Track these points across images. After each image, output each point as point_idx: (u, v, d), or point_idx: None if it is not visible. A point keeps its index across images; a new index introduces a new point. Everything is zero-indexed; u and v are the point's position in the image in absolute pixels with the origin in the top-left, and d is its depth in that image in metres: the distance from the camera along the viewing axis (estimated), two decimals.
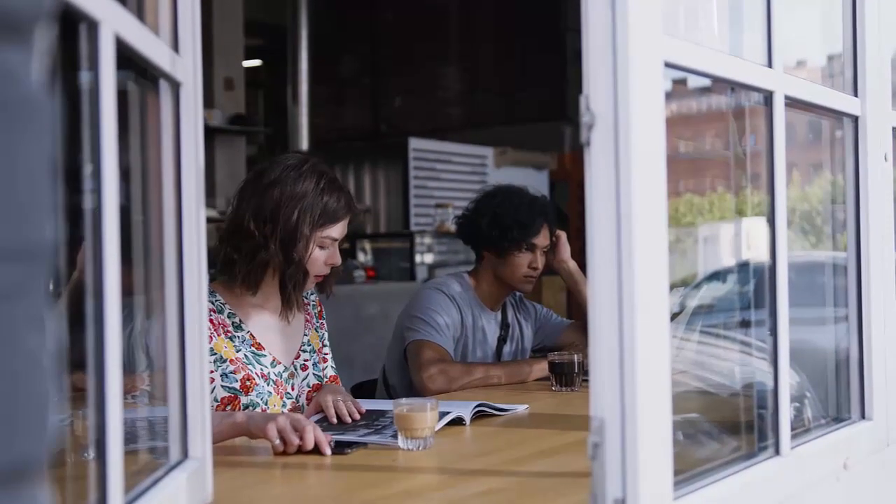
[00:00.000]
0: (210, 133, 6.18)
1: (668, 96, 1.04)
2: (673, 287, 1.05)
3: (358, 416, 1.81)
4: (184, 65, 1.13)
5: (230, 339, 1.92)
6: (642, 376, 0.95)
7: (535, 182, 6.02)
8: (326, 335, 2.17)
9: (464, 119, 8.36)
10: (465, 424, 1.82)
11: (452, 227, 3.17)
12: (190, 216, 1.14)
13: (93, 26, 0.80)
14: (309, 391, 2.03)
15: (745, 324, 1.63)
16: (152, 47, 1.00)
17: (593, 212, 0.97)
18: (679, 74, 1.13)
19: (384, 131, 8.74)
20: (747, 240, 1.68)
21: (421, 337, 2.43)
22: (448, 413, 1.79)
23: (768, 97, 1.28)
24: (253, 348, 1.95)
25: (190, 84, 1.14)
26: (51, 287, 0.55)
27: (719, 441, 1.41)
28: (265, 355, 1.96)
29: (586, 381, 2.24)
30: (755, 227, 1.50)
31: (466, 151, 7.24)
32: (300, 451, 1.56)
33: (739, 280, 1.75)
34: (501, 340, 2.66)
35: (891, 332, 1.59)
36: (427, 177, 7.02)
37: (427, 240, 6.49)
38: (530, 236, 2.54)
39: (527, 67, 8.08)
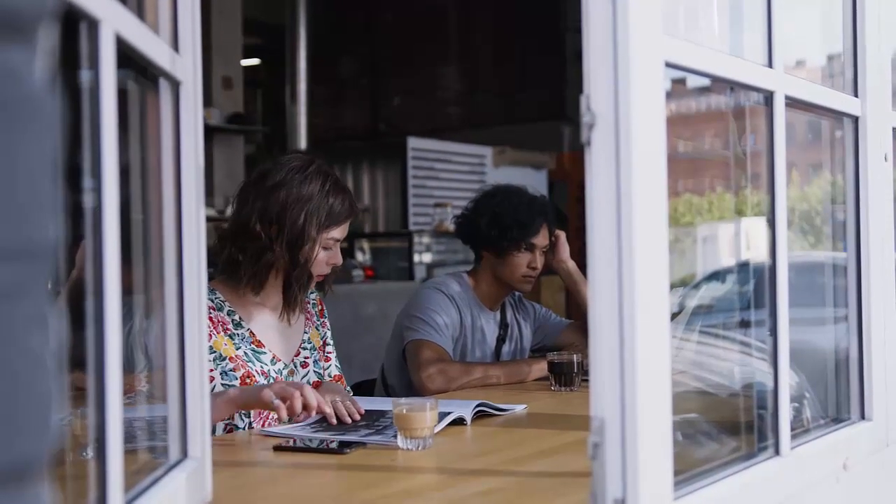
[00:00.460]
0: (208, 132, 6.17)
1: (668, 96, 1.03)
2: (672, 287, 1.05)
3: (358, 417, 1.81)
4: (183, 64, 1.13)
5: (230, 336, 1.93)
6: (642, 376, 0.95)
7: (534, 182, 6.02)
8: (329, 334, 2.17)
9: (463, 119, 8.36)
10: (465, 424, 1.82)
11: (451, 227, 3.17)
12: (190, 215, 1.14)
13: (93, 25, 0.80)
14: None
15: (744, 324, 1.63)
16: (152, 46, 1.00)
17: (594, 211, 0.97)
18: (678, 74, 1.13)
19: (383, 131, 8.74)
20: (746, 240, 1.68)
21: (420, 336, 2.43)
22: (449, 413, 1.79)
23: (769, 97, 1.28)
24: (253, 346, 1.96)
25: (190, 83, 1.14)
26: (50, 286, 0.55)
27: (719, 441, 1.41)
28: (265, 353, 1.97)
29: (586, 380, 2.24)
30: (754, 227, 1.50)
31: (465, 151, 7.24)
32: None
33: (739, 280, 1.75)
34: (500, 340, 2.66)
35: (890, 333, 1.59)
36: (426, 176, 7.02)
37: (426, 239, 6.49)
38: (529, 236, 2.54)
39: (526, 67, 8.08)
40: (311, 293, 2.13)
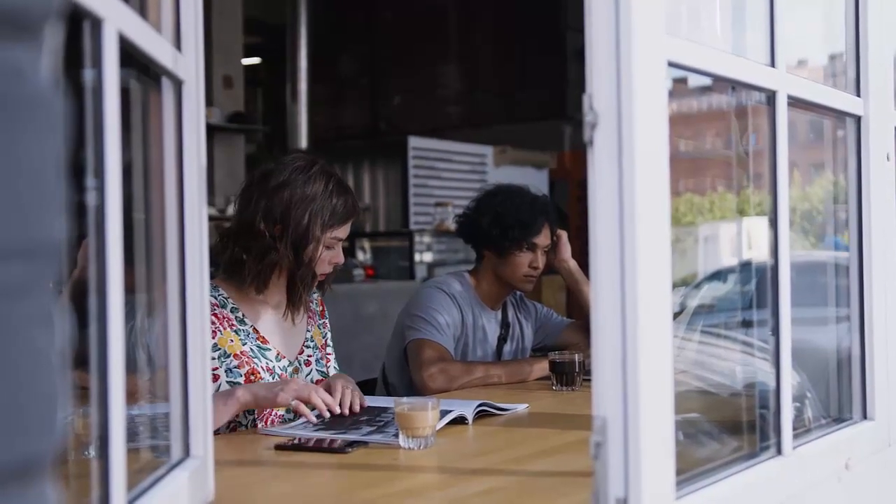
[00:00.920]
0: (209, 131, 6.16)
1: (669, 96, 1.03)
2: (673, 287, 1.05)
3: (358, 409, 1.83)
4: (186, 62, 1.13)
5: (235, 332, 1.94)
6: (645, 375, 0.95)
7: (535, 181, 6.02)
8: (330, 335, 2.18)
9: (463, 118, 8.36)
10: (467, 423, 1.82)
11: (452, 226, 3.18)
12: (192, 213, 1.14)
13: (96, 24, 0.80)
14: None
15: (746, 324, 1.63)
16: (155, 45, 1.00)
17: (596, 210, 0.97)
18: (680, 73, 1.13)
19: (384, 130, 8.74)
20: (748, 239, 1.68)
21: (421, 336, 2.43)
22: (450, 412, 1.79)
23: (771, 97, 1.28)
24: (258, 342, 1.97)
25: (192, 82, 1.14)
26: (54, 287, 0.55)
27: (721, 441, 1.41)
28: (270, 349, 1.98)
29: (587, 380, 2.24)
30: (756, 227, 1.50)
31: (466, 150, 7.23)
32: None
33: (740, 280, 1.75)
34: (502, 339, 2.66)
35: (893, 332, 1.58)
36: (426, 175, 7.02)
37: (426, 238, 6.48)
38: (531, 236, 2.54)
39: (526, 66, 8.08)
40: (313, 293, 2.14)
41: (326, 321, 2.17)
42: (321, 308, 2.18)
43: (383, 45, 8.77)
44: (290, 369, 2.01)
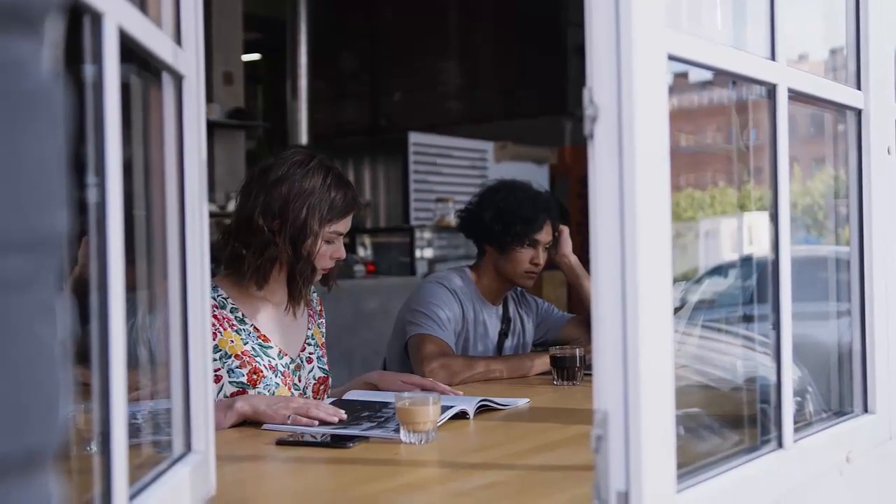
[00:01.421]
0: (209, 127, 6.16)
1: (670, 90, 1.03)
2: (674, 282, 1.05)
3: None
4: (186, 58, 1.13)
5: (236, 332, 1.94)
6: (645, 368, 0.95)
7: (536, 176, 6.03)
8: (324, 334, 2.18)
9: (464, 114, 8.36)
10: (468, 418, 1.82)
11: (453, 222, 3.17)
12: (193, 209, 1.14)
13: (96, 18, 0.80)
14: (315, 384, 2.05)
15: (747, 318, 1.63)
16: (155, 40, 1.00)
17: (596, 204, 0.97)
18: (680, 68, 1.13)
19: (384, 126, 8.74)
20: (749, 234, 1.68)
21: (422, 331, 2.43)
22: (451, 408, 1.79)
23: (771, 90, 1.28)
24: (259, 341, 1.97)
25: (192, 77, 1.14)
26: (56, 282, 0.55)
27: (722, 435, 1.41)
28: (271, 347, 1.98)
29: (588, 374, 2.24)
30: (757, 222, 1.50)
31: (466, 146, 7.23)
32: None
33: (741, 275, 1.75)
34: (503, 335, 2.66)
35: (893, 326, 1.59)
36: (427, 171, 7.02)
37: (427, 234, 6.49)
38: (533, 232, 2.54)
39: (527, 62, 8.07)
40: (313, 292, 2.14)
41: (323, 321, 2.18)
42: (320, 308, 2.18)
43: (384, 40, 8.77)
44: (292, 366, 2.01)
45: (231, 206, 5.60)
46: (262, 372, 1.93)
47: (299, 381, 2.02)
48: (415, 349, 2.42)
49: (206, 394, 1.17)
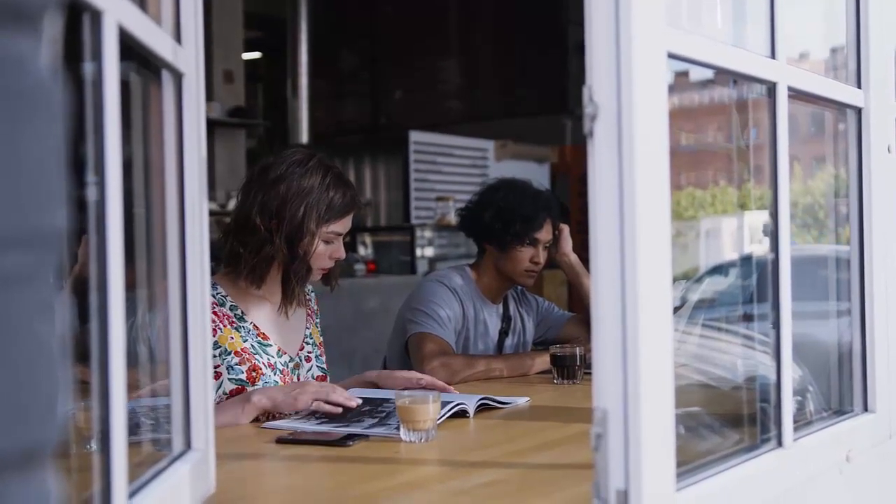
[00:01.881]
0: (210, 126, 6.17)
1: (671, 89, 1.03)
2: (675, 280, 1.05)
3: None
4: (186, 55, 1.13)
5: (236, 329, 1.94)
6: (645, 367, 0.95)
7: (537, 175, 6.02)
8: (321, 333, 2.19)
9: (464, 112, 8.35)
10: (468, 417, 1.82)
11: (454, 221, 3.17)
12: (192, 207, 1.14)
13: (96, 16, 0.80)
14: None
15: (747, 317, 1.63)
16: (155, 37, 1.00)
17: (596, 202, 0.97)
18: (681, 67, 1.13)
19: (384, 124, 8.73)
20: (749, 233, 1.68)
21: (422, 329, 2.43)
22: (449, 403, 1.79)
23: (771, 88, 1.28)
24: (259, 338, 1.97)
25: (192, 75, 1.14)
26: (56, 279, 0.55)
27: (722, 434, 1.41)
28: (271, 345, 1.98)
29: (588, 373, 2.24)
30: (757, 221, 1.50)
31: (467, 144, 7.23)
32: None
33: (741, 273, 1.75)
34: (503, 333, 2.66)
35: (893, 325, 1.58)
36: (427, 170, 7.02)
37: (428, 233, 6.49)
38: (533, 231, 2.54)
39: (527, 61, 8.07)
40: (311, 291, 2.14)
41: (318, 320, 2.18)
42: (316, 308, 2.18)
43: (384, 39, 8.77)
44: (291, 365, 2.01)
45: (231, 205, 5.60)
46: (261, 370, 1.93)
47: (298, 379, 2.02)
48: (415, 348, 2.42)
49: (206, 392, 1.17)
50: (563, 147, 7.41)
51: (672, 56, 1.03)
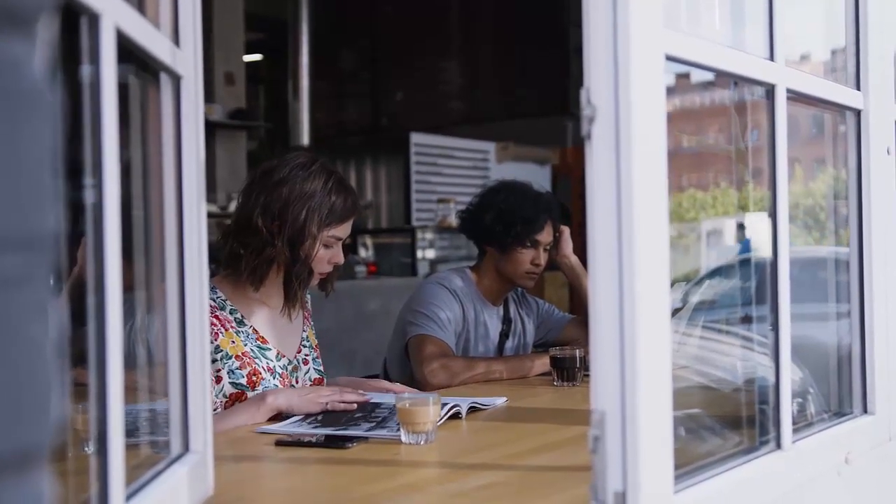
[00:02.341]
0: (210, 128, 6.18)
1: (671, 91, 1.03)
2: (675, 282, 1.05)
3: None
4: (184, 58, 1.13)
5: (236, 333, 1.94)
6: (643, 369, 0.95)
7: (538, 177, 6.03)
8: (316, 335, 2.19)
9: (465, 114, 8.35)
10: (461, 418, 1.82)
11: (455, 222, 3.18)
12: (191, 210, 1.14)
13: (94, 19, 0.80)
14: (310, 385, 2.06)
15: (747, 319, 1.63)
16: (153, 40, 1.00)
17: (594, 205, 0.96)
18: (682, 69, 1.13)
19: (385, 126, 8.74)
20: (750, 235, 1.68)
21: (422, 331, 2.43)
22: (445, 404, 1.79)
23: (770, 90, 1.28)
24: (258, 342, 1.97)
25: (191, 77, 1.14)
26: (52, 281, 0.55)
27: (720, 436, 1.41)
28: (270, 349, 1.99)
29: (587, 375, 2.24)
30: (758, 223, 1.50)
31: (468, 146, 7.24)
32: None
33: (741, 275, 1.75)
34: (503, 335, 2.66)
35: (893, 327, 1.58)
36: (428, 172, 7.02)
37: (428, 235, 6.49)
38: (534, 233, 2.54)
39: (528, 62, 8.07)
40: (307, 294, 2.15)
41: (313, 323, 2.19)
42: (309, 310, 2.19)
43: (385, 41, 8.77)
44: (289, 368, 2.02)
45: (232, 207, 5.60)
46: (261, 374, 1.93)
47: (296, 382, 2.03)
48: (415, 350, 2.42)
49: (204, 394, 1.17)
50: (564, 149, 7.41)
51: (670, 58, 1.03)
